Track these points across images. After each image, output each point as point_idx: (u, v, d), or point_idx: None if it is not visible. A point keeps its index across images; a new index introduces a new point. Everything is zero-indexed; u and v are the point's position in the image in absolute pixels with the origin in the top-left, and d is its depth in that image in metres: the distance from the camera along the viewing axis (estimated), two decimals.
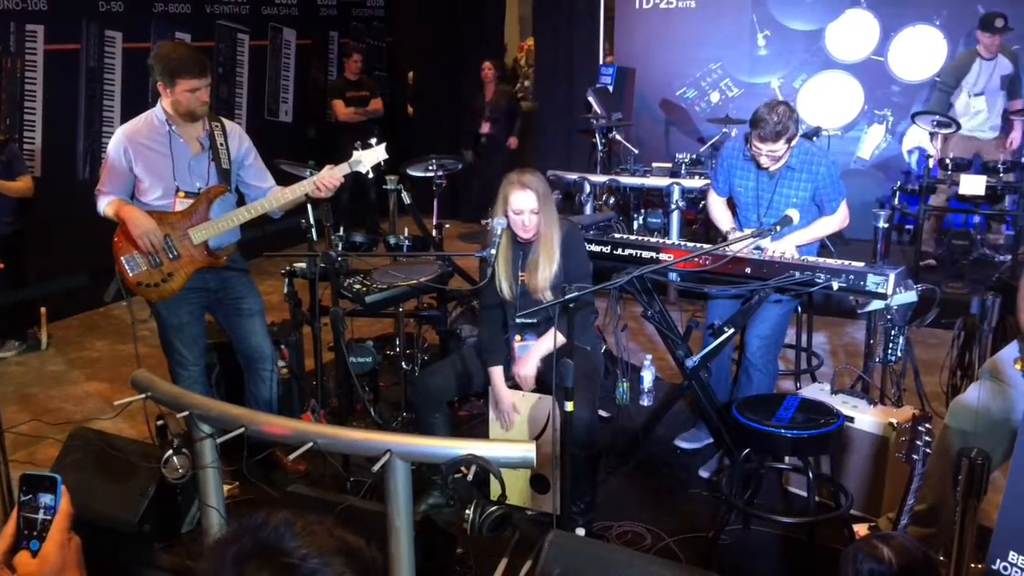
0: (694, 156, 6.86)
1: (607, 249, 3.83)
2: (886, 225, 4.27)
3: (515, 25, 11.27)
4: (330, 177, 3.47)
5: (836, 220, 3.77)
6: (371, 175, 3.65)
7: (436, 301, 4.59)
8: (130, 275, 3.46)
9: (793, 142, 3.59)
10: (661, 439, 4.11)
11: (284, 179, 3.94)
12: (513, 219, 3.32)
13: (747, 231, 3.67)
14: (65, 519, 1.23)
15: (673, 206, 5.99)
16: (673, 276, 3.86)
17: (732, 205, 4.01)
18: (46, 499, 1.23)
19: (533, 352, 3.38)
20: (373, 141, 3.58)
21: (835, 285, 3.27)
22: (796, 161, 3.68)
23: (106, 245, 3.54)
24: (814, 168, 3.68)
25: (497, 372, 3.45)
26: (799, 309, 4.24)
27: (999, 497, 2.28)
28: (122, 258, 3.46)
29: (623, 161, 7.18)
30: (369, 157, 3.54)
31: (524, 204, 3.29)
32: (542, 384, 3.40)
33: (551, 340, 3.03)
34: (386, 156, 3.59)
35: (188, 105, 3.41)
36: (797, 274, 3.32)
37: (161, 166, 3.46)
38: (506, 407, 3.43)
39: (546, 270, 3.33)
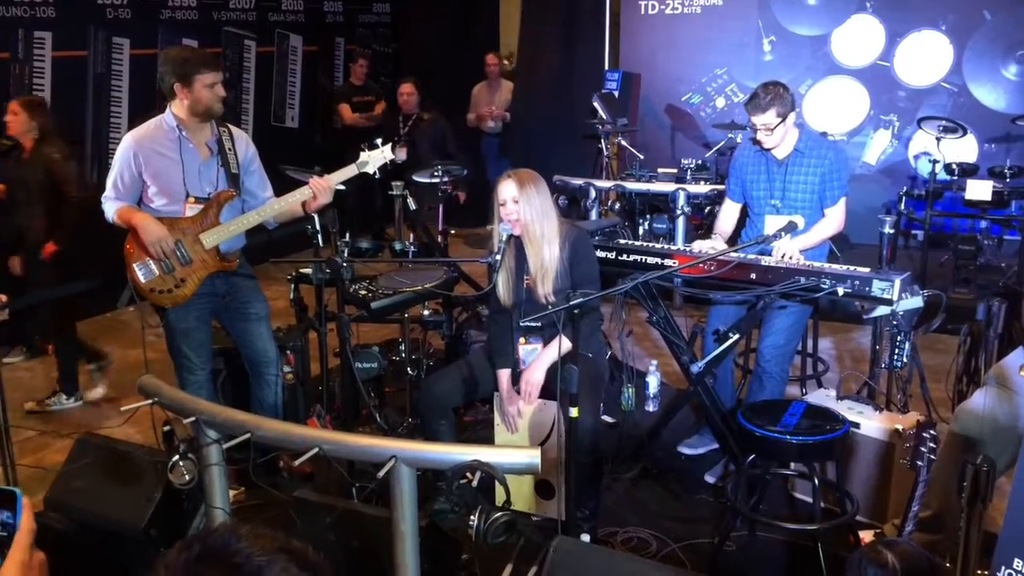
0: (700, 162, 6.86)
1: (612, 255, 3.83)
2: (892, 231, 4.27)
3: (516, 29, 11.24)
4: (324, 179, 3.49)
5: (835, 222, 3.80)
6: (378, 176, 3.67)
7: (441, 307, 4.60)
8: (143, 282, 3.47)
9: (789, 119, 3.66)
10: (666, 445, 4.10)
11: (290, 185, 3.96)
12: (500, 212, 3.36)
13: (755, 238, 3.68)
14: (27, 536, 1.18)
15: (679, 212, 5.99)
16: (678, 282, 3.87)
17: (743, 217, 4.04)
18: (4, 516, 1.15)
19: (542, 359, 3.38)
20: (379, 142, 3.60)
21: (841, 291, 3.27)
22: (804, 145, 3.75)
23: (114, 250, 3.55)
24: (822, 152, 3.74)
25: (505, 374, 3.46)
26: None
27: (1004, 503, 2.28)
28: (134, 265, 3.47)
29: (628, 166, 7.19)
30: (376, 158, 3.56)
31: (505, 193, 3.33)
32: (547, 390, 3.40)
33: (561, 347, 3.03)
34: (392, 156, 3.61)
35: (207, 102, 3.42)
36: (802, 280, 3.32)
37: (171, 172, 3.47)
38: (511, 409, 3.44)
39: (541, 266, 3.34)
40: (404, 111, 6.93)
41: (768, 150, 3.77)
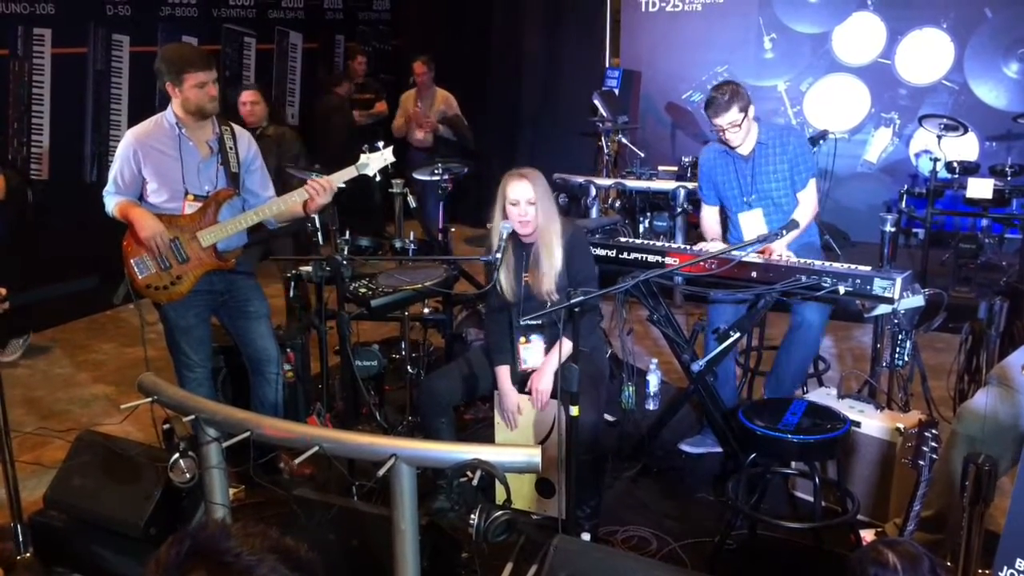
0: None
1: (613, 253, 3.83)
2: (893, 229, 4.26)
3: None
4: (325, 179, 3.48)
5: (811, 205, 3.84)
6: (378, 179, 3.66)
7: (441, 305, 4.59)
8: (139, 277, 3.47)
9: (749, 111, 3.70)
10: (667, 443, 4.10)
11: (290, 183, 3.95)
12: (511, 211, 3.32)
13: (755, 235, 3.68)
14: None
15: (679, 209, 5.99)
16: (679, 280, 3.88)
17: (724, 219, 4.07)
18: None
19: (549, 364, 3.37)
20: (380, 144, 3.58)
21: (842, 289, 3.27)
22: (766, 137, 3.80)
23: (114, 247, 3.55)
24: (785, 139, 3.80)
25: (503, 371, 3.45)
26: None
27: (1006, 503, 2.28)
28: (132, 260, 3.47)
29: (629, 164, 7.18)
30: (376, 160, 3.55)
31: (521, 194, 3.30)
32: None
33: (564, 350, 3.03)
34: (393, 159, 3.60)
35: (197, 101, 3.41)
36: (803, 278, 3.32)
37: (170, 169, 3.46)
38: (511, 407, 3.43)
39: (549, 269, 3.33)
40: (247, 123, 5.30)
41: (734, 149, 3.79)
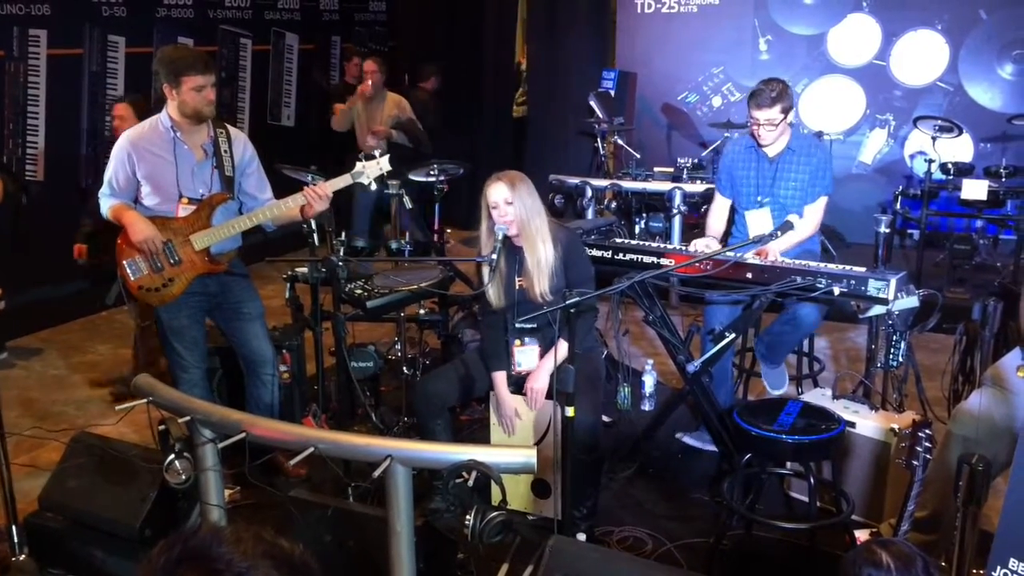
0: (696, 160, 6.86)
1: (608, 254, 3.84)
2: (888, 230, 4.28)
3: (520, 28, 11.24)
4: (320, 187, 3.48)
5: (813, 222, 3.85)
6: (374, 187, 3.65)
7: (437, 306, 4.59)
8: (132, 279, 3.47)
9: (790, 115, 3.74)
10: (663, 444, 4.11)
11: (286, 183, 3.94)
12: (494, 215, 3.34)
13: (751, 236, 3.69)
14: None
15: (675, 210, 6.00)
16: (675, 281, 3.89)
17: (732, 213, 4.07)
18: None
19: (543, 366, 3.38)
20: (377, 153, 3.58)
21: (836, 290, 3.28)
22: (796, 144, 3.83)
23: (109, 249, 3.55)
24: (812, 151, 3.83)
25: (500, 377, 3.45)
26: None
27: (1001, 503, 2.28)
28: (124, 262, 3.47)
29: (625, 165, 7.19)
30: (372, 168, 3.54)
31: (497, 195, 3.32)
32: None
33: (560, 351, 3.03)
34: (389, 168, 3.60)
35: (195, 104, 3.41)
36: (798, 279, 3.33)
37: (164, 172, 3.47)
38: (508, 412, 3.43)
39: (537, 263, 3.33)
40: (116, 136, 4.36)
41: (761, 147, 3.79)
